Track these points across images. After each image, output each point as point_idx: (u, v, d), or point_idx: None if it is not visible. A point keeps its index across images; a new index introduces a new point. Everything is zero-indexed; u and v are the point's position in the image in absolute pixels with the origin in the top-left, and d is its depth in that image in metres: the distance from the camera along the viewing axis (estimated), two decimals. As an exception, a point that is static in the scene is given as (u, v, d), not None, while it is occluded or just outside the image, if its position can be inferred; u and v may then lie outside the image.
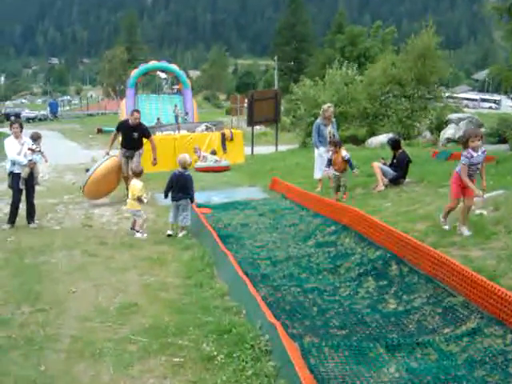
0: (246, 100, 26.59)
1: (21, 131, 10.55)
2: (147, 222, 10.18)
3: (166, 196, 9.60)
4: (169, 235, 9.35)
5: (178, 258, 8.09)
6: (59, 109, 71.68)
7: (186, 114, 35.84)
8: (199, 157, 18.69)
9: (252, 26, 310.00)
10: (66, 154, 27.23)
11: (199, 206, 10.76)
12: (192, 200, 9.63)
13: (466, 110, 39.29)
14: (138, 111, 13.18)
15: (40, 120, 61.02)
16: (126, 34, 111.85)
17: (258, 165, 19.08)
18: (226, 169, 18.62)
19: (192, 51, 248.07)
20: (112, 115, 60.18)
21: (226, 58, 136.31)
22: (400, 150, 11.97)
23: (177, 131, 21.45)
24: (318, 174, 12.95)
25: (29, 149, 10.45)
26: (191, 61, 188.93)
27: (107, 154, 13.01)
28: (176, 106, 38.50)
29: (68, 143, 36.68)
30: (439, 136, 20.11)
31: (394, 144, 12.10)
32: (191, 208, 9.73)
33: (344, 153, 11.28)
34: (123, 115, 36.95)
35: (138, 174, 9.84)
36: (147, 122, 36.85)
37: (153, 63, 42.75)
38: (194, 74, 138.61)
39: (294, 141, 29.06)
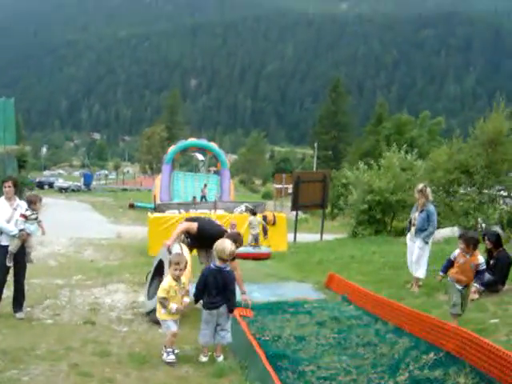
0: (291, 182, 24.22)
1: (15, 192, 7.99)
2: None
3: (197, 301, 6.72)
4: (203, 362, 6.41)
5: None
6: (94, 182, 70.96)
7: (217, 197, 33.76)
8: None
9: (290, 114, 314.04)
10: (91, 227, 25.29)
11: (237, 305, 8.20)
12: (233, 309, 6.67)
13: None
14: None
15: (73, 191, 59.92)
16: (168, 113, 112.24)
17: (304, 254, 16.53)
18: (266, 256, 16.15)
19: (230, 135, 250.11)
20: (146, 191, 58.67)
21: (264, 144, 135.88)
22: (500, 249, 9.36)
23: (213, 210, 19.08)
24: (416, 271, 10.43)
25: (21, 215, 7.91)
26: (229, 145, 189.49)
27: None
28: (205, 185, 36.69)
29: (96, 216, 34.78)
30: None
31: (496, 241, 9.48)
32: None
33: (481, 259, 7.43)
34: (157, 191, 35.26)
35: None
36: (182, 199, 35.45)
37: (192, 140, 41.23)
38: (232, 158, 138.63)
39: (340, 229, 26.53)
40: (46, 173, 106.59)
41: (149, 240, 16.92)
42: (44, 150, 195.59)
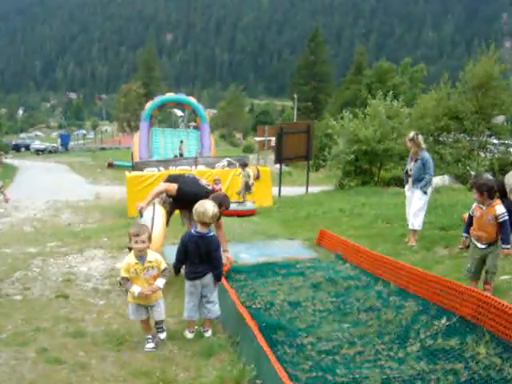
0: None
1: None
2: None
3: (178, 271, 5.95)
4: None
5: (197, 376, 4.74)
6: (72, 142, 69.66)
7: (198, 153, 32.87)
8: (218, 190, 15.53)
9: (268, 66, 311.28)
10: (69, 189, 24.43)
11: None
12: (219, 278, 5.87)
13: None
14: None
15: (50, 152, 58.58)
16: (144, 69, 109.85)
17: (290, 209, 15.85)
18: (251, 213, 15.47)
19: (209, 90, 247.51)
20: (125, 150, 57.50)
21: (243, 97, 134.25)
22: (509, 199, 8.68)
23: (193, 167, 18.27)
24: (412, 224, 9.80)
25: None
26: (208, 100, 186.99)
27: None
28: (182, 142, 35.74)
29: (74, 177, 33.90)
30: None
31: (502, 191, 8.78)
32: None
33: (500, 209, 6.30)
34: (136, 149, 34.33)
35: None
36: (162, 157, 34.46)
37: (169, 95, 40.08)
38: (211, 112, 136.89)
39: (325, 181, 25.89)
40: (23, 135, 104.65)
41: (127, 200, 16.17)
42: (20, 112, 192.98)
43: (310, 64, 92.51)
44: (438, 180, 17.14)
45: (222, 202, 6.93)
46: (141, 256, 5.31)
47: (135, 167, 17.97)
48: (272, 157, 29.27)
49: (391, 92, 20.85)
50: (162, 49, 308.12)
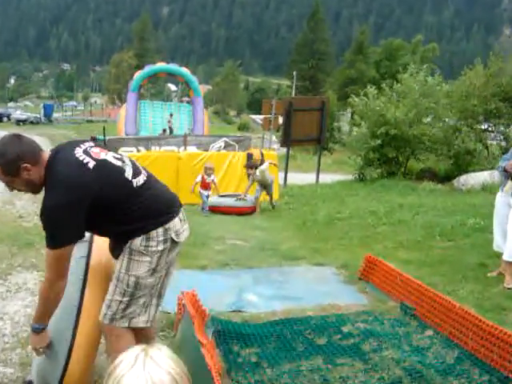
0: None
1: None
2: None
3: None
4: None
5: None
6: (59, 114, 66.13)
7: (189, 130, 29.27)
8: (211, 183, 12.10)
9: (265, 43, 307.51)
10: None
11: (214, 322, 4.47)
12: None
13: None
14: None
15: (32, 123, 54.70)
16: (138, 39, 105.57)
17: (304, 207, 12.42)
18: (252, 210, 12.08)
19: (204, 66, 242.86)
20: (113, 123, 53.80)
21: (239, 73, 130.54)
22: None
23: (182, 148, 14.72)
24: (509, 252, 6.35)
25: None
26: (203, 75, 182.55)
27: None
28: (171, 115, 32.15)
29: (50, 152, 30.23)
30: None
31: None
32: None
33: None
34: (122, 122, 30.80)
35: None
36: (150, 133, 30.83)
37: (161, 65, 36.37)
38: (205, 88, 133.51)
39: (335, 168, 22.50)
40: (11, 104, 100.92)
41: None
42: (12, 81, 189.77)
43: (309, 42, 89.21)
44: (486, 176, 13.81)
45: None
46: None
47: (108, 145, 14.33)
48: (273, 138, 25.80)
49: (425, 66, 17.34)
50: (158, 22, 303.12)
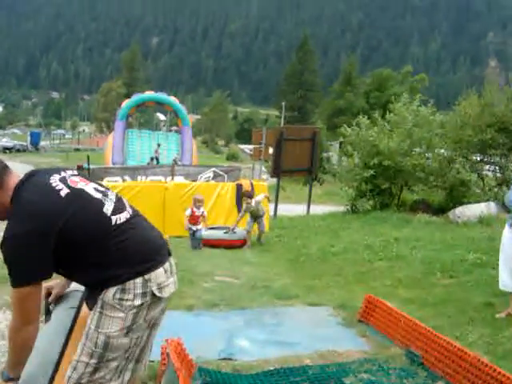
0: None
1: None
2: None
3: None
4: None
5: None
6: (47, 142, 65.64)
7: (175, 161, 28.77)
8: (200, 216, 11.35)
9: (254, 74, 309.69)
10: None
11: (202, 373, 4.04)
12: None
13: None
14: None
15: (18, 151, 54.18)
16: (127, 69, 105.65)
17: (296, 240, 11.92)
18: (242, 243, 11.60)
19: (193, 95, 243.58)
20: (101, 152, 53.29)
21: (227, 103, 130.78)
22: None
23: (169, 178, 14.23)
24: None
25: None
26: (192, 105, 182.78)
27: None
28: (159, 145, 31.81)
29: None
30: None
31: None
32: None
33: None
34: (109, 151, 30.42)
35: None
36: (137, 162, 30.34)
37: (149, 93, 36.13)
38: (194, 118, 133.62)
39: (325, 199, 22.08)
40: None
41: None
42: (0, 108, 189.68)
43: (297, 72, 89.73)
44: (482, 208, 13.39)
45: None
46: None
47: (92, 175, 13.80)
48: (261, 167, 25.38)
49: (419, 95, 17.01)
50: (148, 52, 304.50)
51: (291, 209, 17.98)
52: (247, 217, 11.79)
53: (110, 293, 2.63)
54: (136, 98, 34.36)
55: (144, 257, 2.72)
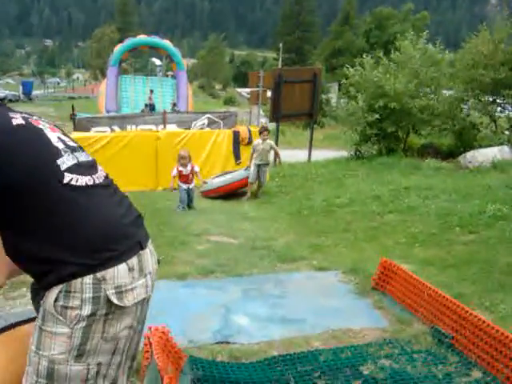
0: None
1: None
2: None
3: None
4: None
5: None
6: (41, 91, 64.39)
7: (174, 105, 27.84)
8: (190, 174, 9.94)
9: (250, 16, 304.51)
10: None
11: (194, 366, 3.41)
12: None
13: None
14: None
15: (10, 101, 52.86)
16: (120, 13, 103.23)
17: (297, 191, 11.19)
18: (244, 185, 10.87)
19: (188, 39, 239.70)
20: (95, 99, 52.12)
21: (224, 47, 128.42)
22: None
23: (161, 126, 13.33)
24: None
25: None
26: (188, 49, 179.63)
27: None
28: (151, 91, 30.63)
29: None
30: None
31: None
32: None
33: None
34: (102, 99, 29.39)
35: None
36: (131, 109, 29.39)
37: (142, 37, 34.77)
38: (190, 62, 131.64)
39: (327, 144, 21.26)
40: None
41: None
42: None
43: (295, 13, 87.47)
44: (495, 152, 12.58)
45: None
46: None
47: (77, 125, 12.79)
48: (259, 112, 24.32)
49: (426, 32, 15.91)
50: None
51: (292, 155, 17.17)
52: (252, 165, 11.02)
53: (52, 296, 1.82)
54: (128, 42, 33.04)
55: (99, 244, 1.86)
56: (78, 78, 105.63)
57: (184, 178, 9.74)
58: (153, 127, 13.33)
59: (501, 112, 14.50)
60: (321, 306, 4.98)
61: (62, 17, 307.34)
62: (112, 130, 12.67)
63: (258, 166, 10.94)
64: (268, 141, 11.03)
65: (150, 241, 2.11)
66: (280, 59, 73.75)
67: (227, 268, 5.86)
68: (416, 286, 4.81)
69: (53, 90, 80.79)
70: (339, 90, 27.29)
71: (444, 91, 15.07)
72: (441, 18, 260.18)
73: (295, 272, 5.93)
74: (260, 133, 11.12)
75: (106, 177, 2.08)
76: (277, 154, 11.40)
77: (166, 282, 5.34)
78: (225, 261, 6.10)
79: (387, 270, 5.25)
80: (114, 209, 2.00)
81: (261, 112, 24.10)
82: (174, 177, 9.80)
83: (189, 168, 9.78)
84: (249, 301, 5.06)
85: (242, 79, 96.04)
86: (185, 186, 9.70)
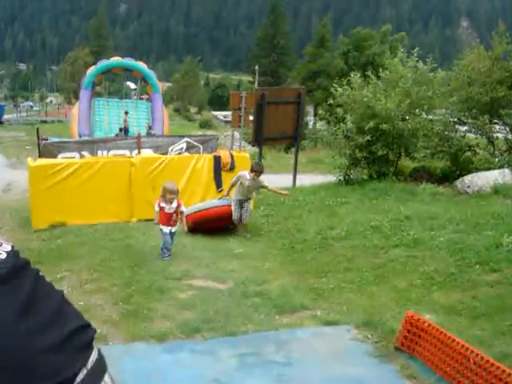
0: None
1: None
2: None
3: None
4: None
5: None
6: (14, 115, 63.20)
7: (149, 128, 26.81)
8: (173, 214, 7.94)
9: (225, 40, 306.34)
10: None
11: None
12: None
13: None
14: None
15: (-19, 125, 51.77)
16: (94, 37, 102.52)
17: (286, 221, 10.19)
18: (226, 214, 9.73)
19: (163, 62, 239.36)
20: (68, 123, 51.03)
21: (199, 70, 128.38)
22: None
23: (135, 151, 12.27)
24: None
25: None
26: (163, 73, 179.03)
27: None
28: (126, 113, 29.51)
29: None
30: None
31: None
32: None
33: None
34: (74, 123, 28.33)
35: None
36: (105, 133, 28.23)
37: (115, 59, 33.83)
38: (165, 86, 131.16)
39: (310, 168, 20.36)
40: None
41: (31, 204, 10.32)
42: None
43: (269, 36, 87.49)
44: (496, 175, 11.73)
45: None
46: None
47: (44, 151, 11.60)
48: (236, 134, 23.33)
49: (417, 49, 15.03)
50: (116, 20, 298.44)
51: (275, 180, 16.09)
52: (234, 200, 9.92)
53: None
54: (102, 64, 32.08)
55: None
56: (51, 102, 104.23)
57: (166, 219, 7.84)
58: (126, 152, 12.25)
59: (497, 132, 13.68)
60: (336, 375, 4.00)
61: (35, 40, 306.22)
62: (81, 156, 11.61)
63: (240, 201, 9.81)
64: (260, 179, 9.82)
65: None
66: (256, 82, 73.39)
67: (216, 324, 4.84)
68: (454, 348, 3.85)
69: (26, 114, 79.53)
70: (315, 113, 26.47)
71: (437, 111, 14.28)
72: (413, 40, 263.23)
73: (298, 328, 4.92)
74: (253, 170, 9.76)
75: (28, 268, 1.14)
76: (275, 192, 10.43)
77: (143, 346, 4.31)
78: (212, 314, 5.08)
79: (414, 327, 4.27)
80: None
81: (237, 135, 23.13)
82: (157, 212, 7.95)
83: (174, 205, 7.89)
84: (247, 372, 4.04)
85: (217, 102, 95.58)
86: (167, 230, 7.74)
